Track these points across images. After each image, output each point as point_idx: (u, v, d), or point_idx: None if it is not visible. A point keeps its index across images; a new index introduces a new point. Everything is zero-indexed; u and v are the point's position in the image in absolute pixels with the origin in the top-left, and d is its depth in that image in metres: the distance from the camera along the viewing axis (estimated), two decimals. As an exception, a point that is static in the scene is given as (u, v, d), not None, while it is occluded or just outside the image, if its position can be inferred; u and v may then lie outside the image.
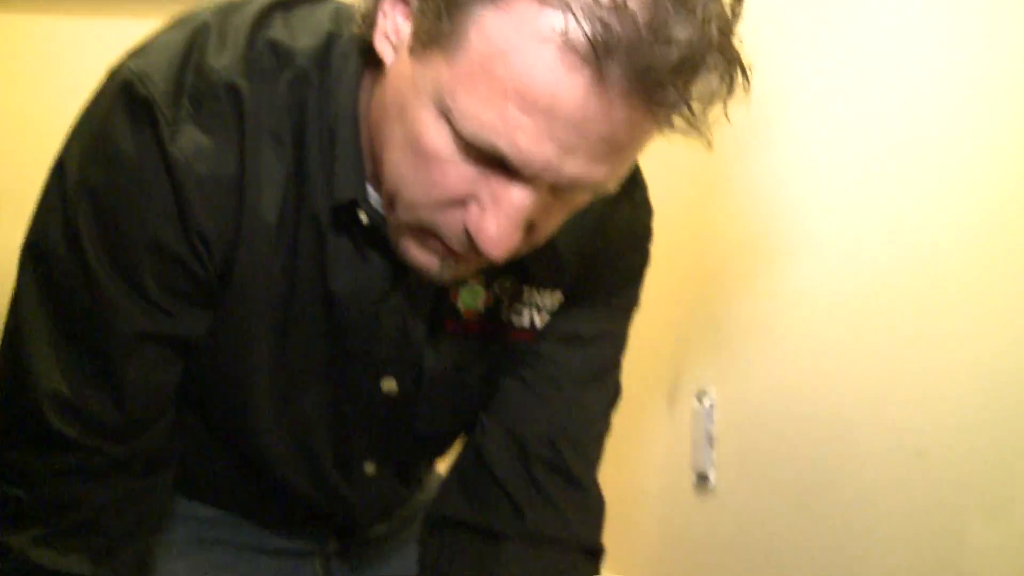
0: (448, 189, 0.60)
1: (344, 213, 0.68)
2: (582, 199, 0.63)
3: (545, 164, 0.56)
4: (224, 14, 0.68)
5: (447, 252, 0.63)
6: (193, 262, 0.67)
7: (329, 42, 0.68)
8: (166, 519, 0.84)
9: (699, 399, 1.25)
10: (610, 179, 0.60)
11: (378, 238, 0.68)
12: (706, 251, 1.26)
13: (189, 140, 0.65)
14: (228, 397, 0.75)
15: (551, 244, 0.69)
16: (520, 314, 0.78)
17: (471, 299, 0.76)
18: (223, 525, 0.92)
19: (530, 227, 0.62)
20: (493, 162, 0.58)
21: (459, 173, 0.59)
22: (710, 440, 1.22)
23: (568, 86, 0.53)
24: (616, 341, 0.85)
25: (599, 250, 0.79)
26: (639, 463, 1.52)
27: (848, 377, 0.94)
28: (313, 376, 0.75)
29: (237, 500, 0.86)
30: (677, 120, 0.56)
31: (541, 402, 0.80)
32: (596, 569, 0.82)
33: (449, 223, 0.61)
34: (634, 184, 0.79)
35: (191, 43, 0.67)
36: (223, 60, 0.66)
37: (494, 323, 0.77)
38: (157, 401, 0.72)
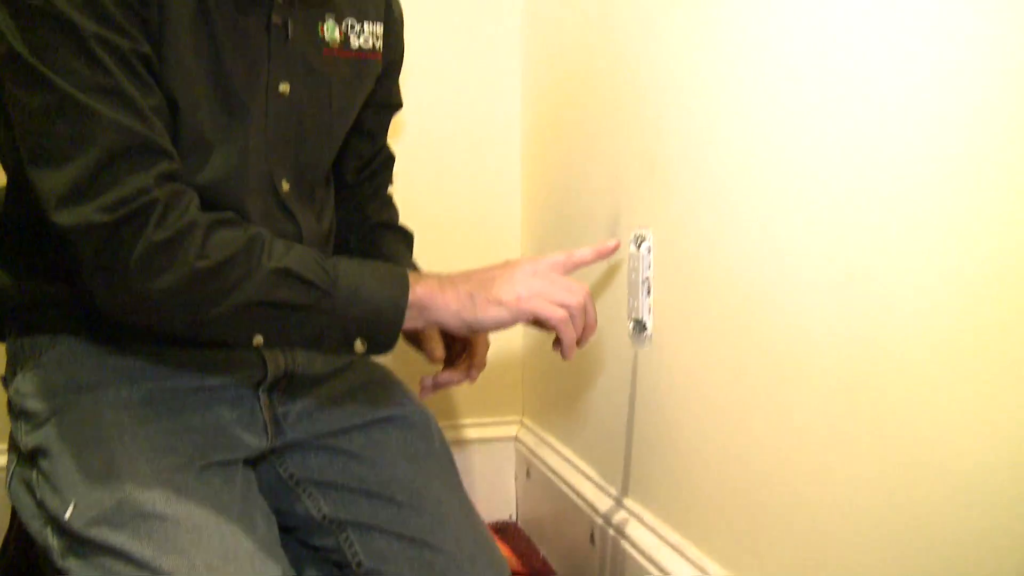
0: None
1: None
2: None
3: None
4: None
5: None
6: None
7: None
8: (107, 372, 1.00)
9: (636, 244, 1.20)
10: None
11: None
12: (645, 93, 1.20)
13: None
14: (181, 136, 0.96)
15: None
16: (364, 40, 1.15)
17: (331, 33, 1.11)
18: (163, 376, 1.03)
19: None
20: None
21: None
22: (648, 287, 1.18)
23: None
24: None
25: (389, 10, 1.20)
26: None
27: (782, 208, 0.91)
28: (238, 86, 1.01)
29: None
30: None
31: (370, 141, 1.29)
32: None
33: None
34: None
35: None
36: None
37: (348, 48, 1.13)
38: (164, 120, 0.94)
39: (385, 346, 0.98)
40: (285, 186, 1.09)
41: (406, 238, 1.32)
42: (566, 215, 1.51)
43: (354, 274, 0.96)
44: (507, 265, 1.02)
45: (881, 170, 0.77)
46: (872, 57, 0.78)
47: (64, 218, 0.88)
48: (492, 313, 0.98)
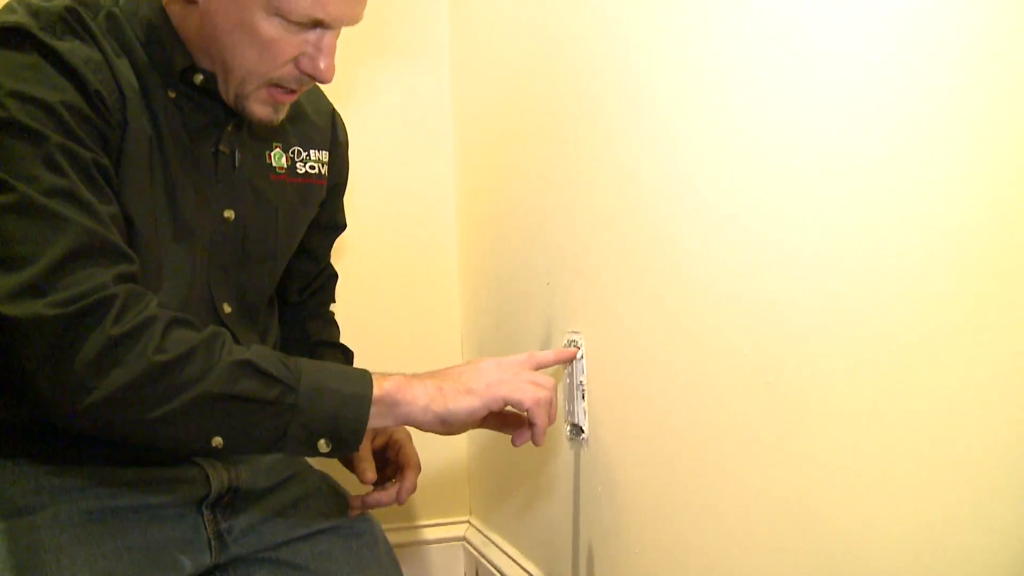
0: (287, 55, 1.00)
1: (183, 76, 1.04)
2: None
3: (343, 15, 1.00)
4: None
5: (279, 99, 1.05)
6: (97, 118, 0.95)
7: None
8: (45, 494, 0.99)
9: (569, 347, 1.24)
10: (362, 13, 1.02)
11: (211, 93, 1.05)
12: (572, 200, 1.26)
13: (65, 42, 0.95)
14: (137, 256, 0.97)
15: (311, 125, 1.23)
16: (310, 167, 1.22)
17: (279, 160, 1.18)
18: (103, 496, 1.00)
19: None
20: (312, 27, 0.99)
21: (291, 43, 1.00)
22: (582, 392, 1.22)
23: None
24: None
25: (334, 137, 1.27)
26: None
27: (706, 315, 0.95)
28: (187, 211, 1.05)
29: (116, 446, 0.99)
30: None
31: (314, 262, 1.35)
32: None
33: (286, 74, 1.02)
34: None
35: (16, 5, 0.96)
36: (51, 4, 0.97)
37: (294, 175, 1.20)
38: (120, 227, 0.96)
39: (350, 445, 0.96)
40: (227, 308, 1.12)
41: (346, 355, 1.35)
42: (504, 318, 1.56)
43: (317, 370, 0.96)
44: (472, 362, 1.04)
45: (805, 288, 0.82)
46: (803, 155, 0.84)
47: (15, 310, 0.86)
48: (463, 403, 0.98)
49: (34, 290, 0.87)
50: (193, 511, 1.07)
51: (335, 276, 1.41)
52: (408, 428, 1.21)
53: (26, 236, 0.88)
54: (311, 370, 0.96)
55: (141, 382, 0.88)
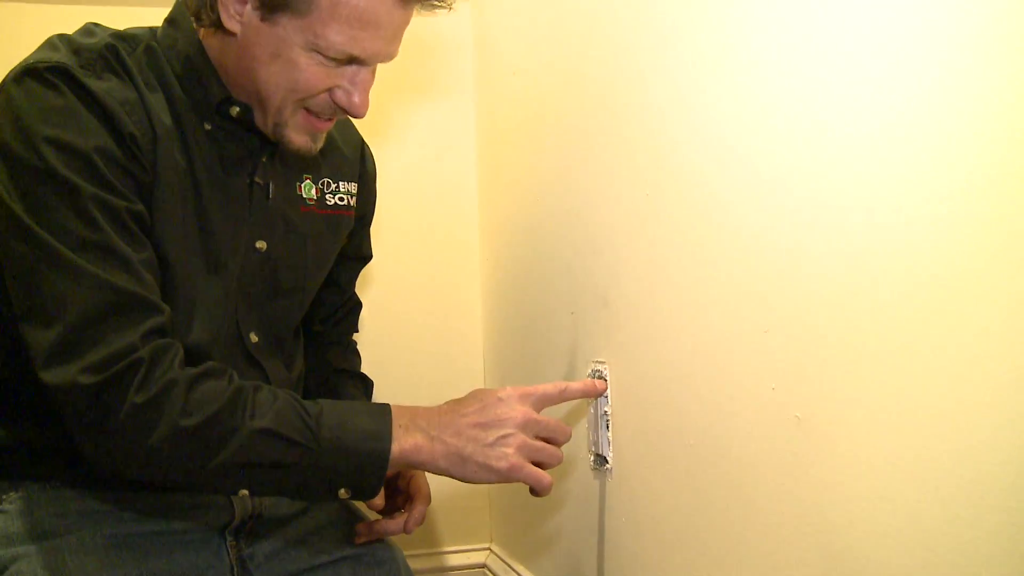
0: (322, 86, 1.03)
1: (219, 109, 1.06)
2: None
3: (378, 52, 1.02)
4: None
5: (316, 127, 1.07)
6: (130, 162, 0.97)
7: (151, 29, 1.08)
8: (71, 518, 1.00)
9: (594, 378, 1.24)
10: (396, 50, 1.05)
11: (246, 125, 1.07)
12: (596, 232, 1.26)
13: (104, 82, 0.98)
14: (169, 302, 1.00)
15: (341, 157, 1.25)
16: (339, 199, 1.23)
17: (308, 191, 1.20)
18: (128, 520, 1.03)
19: None
20: (348, 62, 1.02)
21: (328, 76, 1.02)
22: (607, 422, 1.22)
23: (380, 6, 0.99)
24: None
25: (363, 169, 1.29)
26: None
27: (733, 349, 0.95)
28: (220, 243, 1.07)
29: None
30: (422, 8, 1.04)
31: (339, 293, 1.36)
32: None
33: (320, 103, 1.04)
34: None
35: (59, 42, 1.00)
36: (92, 41, 1.02)
37: (324, 206, 1.21)
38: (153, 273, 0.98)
39: (370, 493, 0.99)
40: (254, 338, 1.12)
41: (365, 385, 1.35)
42: (527, 348, 1.56)
43: (337, 424, 0.96)
44: (498, 403, 1.02)
45: (831, 312, 0.82)
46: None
47: (51, 377, 0.89)
48: (481, 476, 1.00)
49: (65, 352, 0.90)
50: (216, 537, 1.08)
51: (359, 305, 1.41)
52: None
53: (55, 291, 0.90)
54: (331, 425, 0.96)
55: (171, 444, 0.91)
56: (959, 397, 0.67)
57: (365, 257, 1.38)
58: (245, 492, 0.96)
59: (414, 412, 1.01)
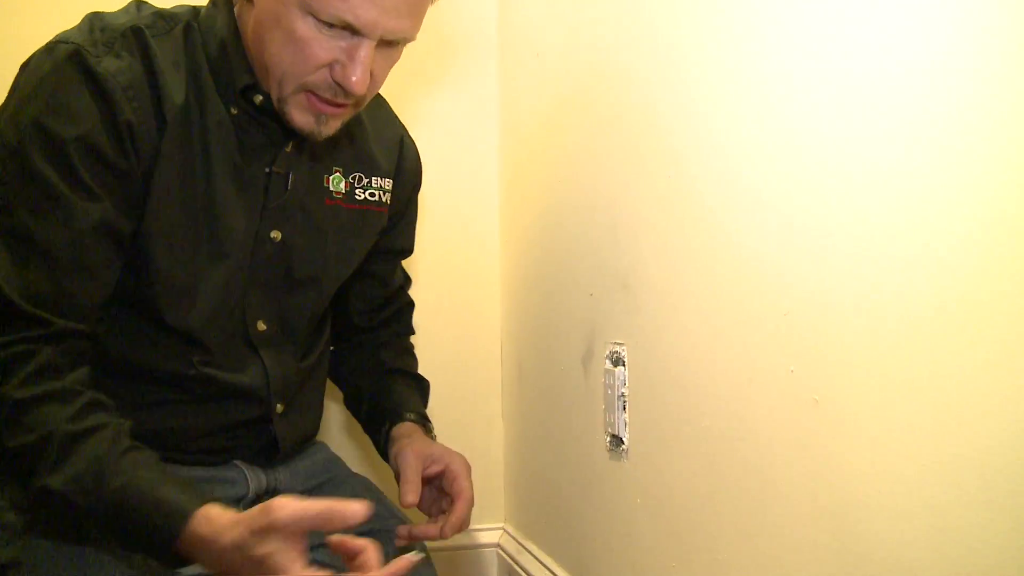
0: (318, 58, 0.98)
1: (243, 95, 1.05)
2: (397, 53, 1.04)
3: (375, 22, 0.96)
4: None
5: (319, 109, 1.02)
6: (115, 152, 0.97)
7: (195, 8, 1.08)
8: None
9: (612, 360, 1.25)
10: (413, 31, 1.01)
11: (271, 113, 1.05)
12: (617, 215, 1.26)
13: (112, 63, 0.97)
14: (168, 285, 1.02)
15: (376, 152, 1.22)
16: (370, 194, 1.21)
17: (337, 184, 1.17)
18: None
19: (372, 75, 1.00)
20: (344, 33, 0.97)
21: (324, 46, 0.98)
22: (623, 403, 1.22)
23: None
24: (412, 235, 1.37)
25: (401, 165, 1.25)
26: (555, 427, 1.52)
27: (752, 330, 0.95)
28: (225, 230, 1.05)
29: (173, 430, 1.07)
30: None
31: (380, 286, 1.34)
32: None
33: (319, 80, 1.00)
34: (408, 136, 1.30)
35: (89, 20, 1.01)
36: (122, 19, 1.02)
37: (352, 200, 1.19)
38: (97, 290, 0.98)
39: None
40: (261, 327, 1.12)
41: (420, 386, 1.34)
42: (546, 329, 1.56)
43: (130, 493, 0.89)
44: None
45: (848, 311, 0.82)
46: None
47: None
48: None
49: None
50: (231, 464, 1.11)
51: (410, 305, 1.40)
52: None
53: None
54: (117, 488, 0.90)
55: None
56: (978, 381, 0.67)
57: (402, 251, 1.36)
58: None
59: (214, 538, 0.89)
